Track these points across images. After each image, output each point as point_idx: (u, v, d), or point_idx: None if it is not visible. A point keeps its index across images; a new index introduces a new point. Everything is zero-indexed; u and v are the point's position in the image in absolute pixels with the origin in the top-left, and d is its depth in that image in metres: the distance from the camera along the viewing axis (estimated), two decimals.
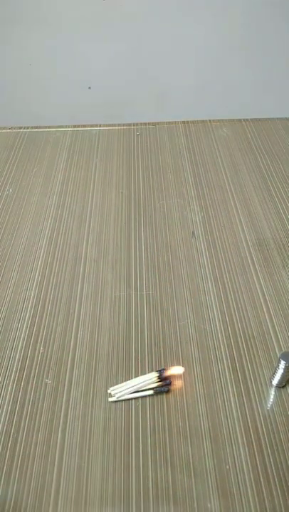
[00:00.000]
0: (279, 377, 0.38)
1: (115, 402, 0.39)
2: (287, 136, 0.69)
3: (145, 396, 0.39)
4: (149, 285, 0.48)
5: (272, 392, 0.39)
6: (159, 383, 0.39)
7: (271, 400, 0.39)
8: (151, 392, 0.39)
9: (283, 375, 0.38)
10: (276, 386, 0.39)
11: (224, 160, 0.64)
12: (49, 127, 0.72)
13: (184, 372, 0.40)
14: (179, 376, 0.40)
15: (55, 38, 0.88)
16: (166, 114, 0.82)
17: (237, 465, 0.35)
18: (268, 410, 0.38)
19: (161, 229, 0.54)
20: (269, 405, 0.38)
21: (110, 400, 0.39)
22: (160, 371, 0.40)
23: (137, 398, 0.39)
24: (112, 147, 0.68)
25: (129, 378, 0.40)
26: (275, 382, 0.39)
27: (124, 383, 0.39)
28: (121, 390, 0.39)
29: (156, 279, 0.49)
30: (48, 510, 0.33)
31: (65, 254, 0.52)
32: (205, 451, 0.35)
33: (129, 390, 0.39)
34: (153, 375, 0.39)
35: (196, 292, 0.47)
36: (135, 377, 0.40)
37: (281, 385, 0.39)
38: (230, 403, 0.38)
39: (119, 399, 0.38)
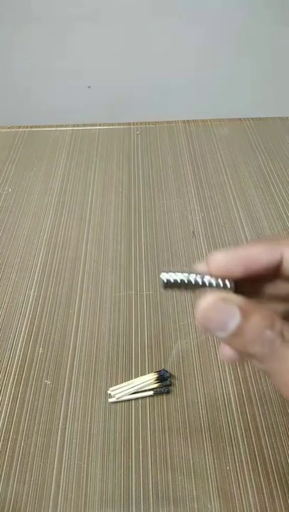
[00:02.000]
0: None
1: (115, 402, 0.38)
2: (287, 135, 0.68)
3: (145, 397, 0.38)
4: (149, 285, 0.48)
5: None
6: (159, 384, 0.39)
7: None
8: (151, 393, 0.38)
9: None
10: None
11: (224, 159, 0.64)
12: (49, 126, 0.71)
13: (183, 372, 0.40)
14: (179, 376, 0.40)
15: (54, 37, 0.88)
16: (167, 114, 0.82)
17: (237, 465, 0.35)
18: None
19: (161, 228, 0.54)
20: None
21: (110, 400, 0.38)
22: (160, 372, 0.40)
23: (136, 399, 0.39)
24: (111, 146, 0.67)
25: (129, 378, 0.40)
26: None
27: (123, 384, 0.39)
28: (121, 391, 0.39)
29: (156, 279, 0.48)
30: (48, 511, 0.33)
31: (65, 253, 0.52)
32: (205, 452, 0.35)
33: (128, 390, 0.39)
34: (153, 376, 0.39)
35: None
36: (135, 377, 0.40)
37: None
38: (231, 403, 0.38)
39: (119, 400, 0.38)
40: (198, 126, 0.71)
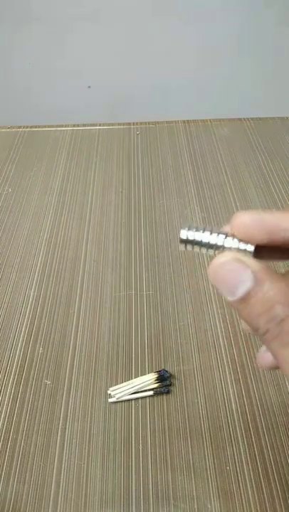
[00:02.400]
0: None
1: (115, 402, 0.38)
2: (287, 135, 0.68)
3: (145, 397, 0.38)
4: (149, 285, 0.48)
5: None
6: (159, 384, 0.39)
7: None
8: (151, 393, 0.38)
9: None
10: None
11: (224, 159, 0.64)
12: (49, 126, 0.71)
13: (184, 372, 0.40)
14: (179, 376, 0.40)
15: (54, 37, 0.88)
16: (167, 114, 0.82)
17: (237, 465, 0.35)
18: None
19: (161, 228, 0.54)
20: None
21: (110, 400, 0.38)
22: (160, 372, 0.40)
23: (136, 399, 0.38)
24: (111, 146, 0.67)
25: (129, 378, 0.40)
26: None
27: (123, 384, 0.39)
28: (121, 391, 0.39)
29: (156, 279, 0.48)
30: (48, 511, 0.33)
31: (65, 253, 0.52)
32: (205, 452, 0.35)
33: (128, 390, 0.39)
34: (153, 376, 0.39)
35: (196, 292, 0.47)
36: (135, 377, 0.40)
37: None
38: (231, 403, 0.38)
39: (119, 400, 0.38)
40: (198, 126, 0.71)
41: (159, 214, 0.56)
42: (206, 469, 0.35)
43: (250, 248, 0.21)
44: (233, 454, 0.35)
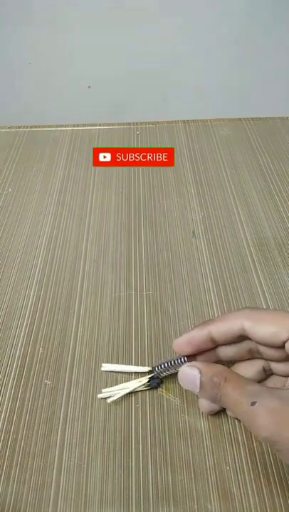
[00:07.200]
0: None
1: (115, 403, 0.38)
2: (287, 135, 0.68)
3: (137, 391, 0.38)
4: (149, 285, 0.48)
5: None
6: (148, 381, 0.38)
7: None
8: (142, 387, 0.38)
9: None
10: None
11: (224, 159, 0.64)
12: (48, 126, 0.71)
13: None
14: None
15: (54, 37, 0.88)
16: (167, 114, 0.82)
17: (237, 465, 0.35)
18: None
19: (161, 228, 0.54)
20: None
21: (100, 396, 0.38)
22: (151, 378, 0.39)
23: (130, 393, 0.38)
24: (111, 146, 0.67)
25: (129, 379, 0.40)
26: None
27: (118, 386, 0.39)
28: (113, 392, 0.38)
29: (156, 279, 0.48)
30: (48, 511, 0.33)
31: (65, 253, 0.52)
32: (205, 452, 0.35)
33: (122, 391, 0.38)
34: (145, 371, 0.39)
35: (196, 292, 0.47)
36: (135, 377, 0.40)
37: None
38: None
39: (113, 399, 0.38)
40: (198, 126, 0.71)
41: (159, 214, 0.56)
42: (206, 469, 0.35)
43: (185, 358, 0.34)
44: (233, 454, 0.35)
